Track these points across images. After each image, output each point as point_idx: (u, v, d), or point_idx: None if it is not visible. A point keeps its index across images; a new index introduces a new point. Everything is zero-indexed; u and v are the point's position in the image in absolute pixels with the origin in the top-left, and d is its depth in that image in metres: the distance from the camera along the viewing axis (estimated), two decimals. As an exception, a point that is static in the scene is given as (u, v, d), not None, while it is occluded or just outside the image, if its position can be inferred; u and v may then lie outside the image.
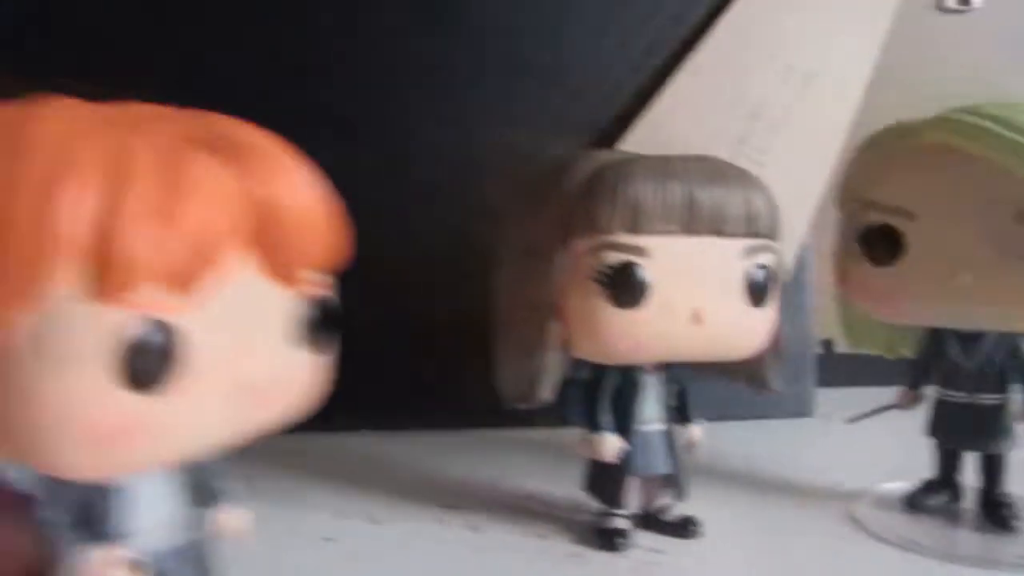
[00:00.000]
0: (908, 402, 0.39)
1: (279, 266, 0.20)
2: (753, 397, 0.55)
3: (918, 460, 0.39)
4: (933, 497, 0.38)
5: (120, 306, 0.17)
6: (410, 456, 0.48)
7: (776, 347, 0.35)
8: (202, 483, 0.23)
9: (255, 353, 0.20)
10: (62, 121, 0.17)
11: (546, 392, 0.33)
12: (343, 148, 0.40)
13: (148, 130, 0.18)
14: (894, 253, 0.34)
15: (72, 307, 0.17)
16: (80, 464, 0.18)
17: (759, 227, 0.31)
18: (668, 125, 0.46)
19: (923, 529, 0.36)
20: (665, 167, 0.30)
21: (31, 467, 0.19)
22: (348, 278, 0.23)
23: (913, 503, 0.38)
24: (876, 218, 0.34)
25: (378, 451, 0.49)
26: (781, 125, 0.52)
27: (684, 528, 0.36)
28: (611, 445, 0.34)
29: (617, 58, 0.53)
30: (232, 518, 0.24)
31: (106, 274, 0.16)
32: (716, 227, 0.30)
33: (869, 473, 0.43)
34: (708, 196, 0.30)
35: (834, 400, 0.55)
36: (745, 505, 0.41)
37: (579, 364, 0.34)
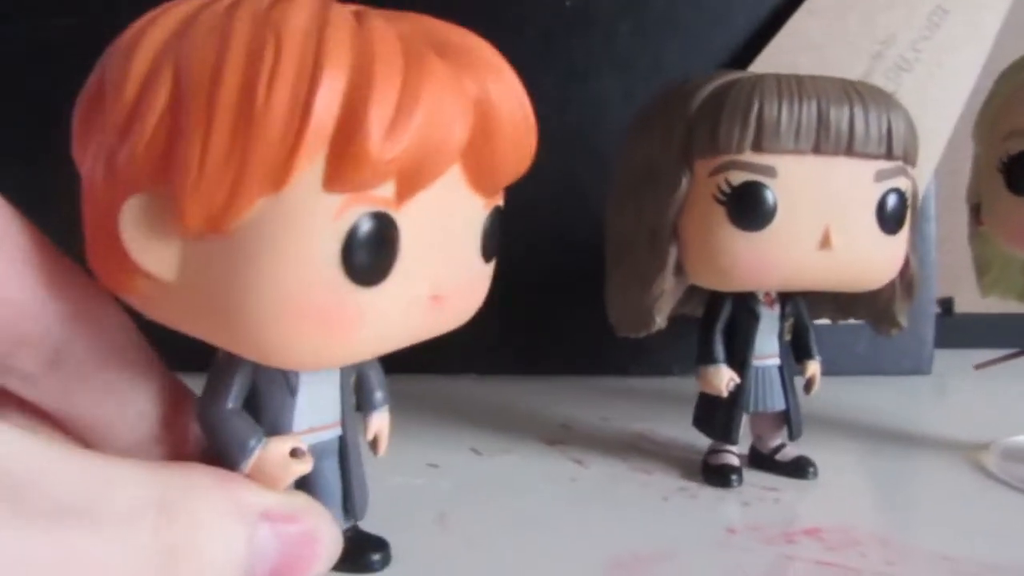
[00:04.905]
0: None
1: (483, 174, 0.19)
2: (868, 351, 0.53)
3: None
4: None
5: (352, 198, 0.17)
6: (515, 398, 0.48)
7: (907, 280, 0.33)
8: (367, 389, 0.24)
9: (449, 259, 0.20)
10: (307, 14, 0.17)
11: (661, 320, 0.33)
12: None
13: (382, 28, 0.18)
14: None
15: (308, 195, 0.17)
16: (303, 353, 0.18)
17: (895, 148, 0.30)
18: (785, 65, 0.45)
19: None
20: (797, 83, 0.29)
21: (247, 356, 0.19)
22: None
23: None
24: (1021, 145, 0.32)
25: (483, 393, 0.49)
26: (909, 64, 0.50)
27: (799, 468, 0.34)
28: (723, 377, 0.33)
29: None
30: (382, 423, 0.25)
31: (344, 166, 0.17)
32: (849, 146, 0.29)
33: (994, 427, 0.40)
34: (842, 113, 0.29)
35: (952, 361, 0.53)
36: (862, 451, 0.39)
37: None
